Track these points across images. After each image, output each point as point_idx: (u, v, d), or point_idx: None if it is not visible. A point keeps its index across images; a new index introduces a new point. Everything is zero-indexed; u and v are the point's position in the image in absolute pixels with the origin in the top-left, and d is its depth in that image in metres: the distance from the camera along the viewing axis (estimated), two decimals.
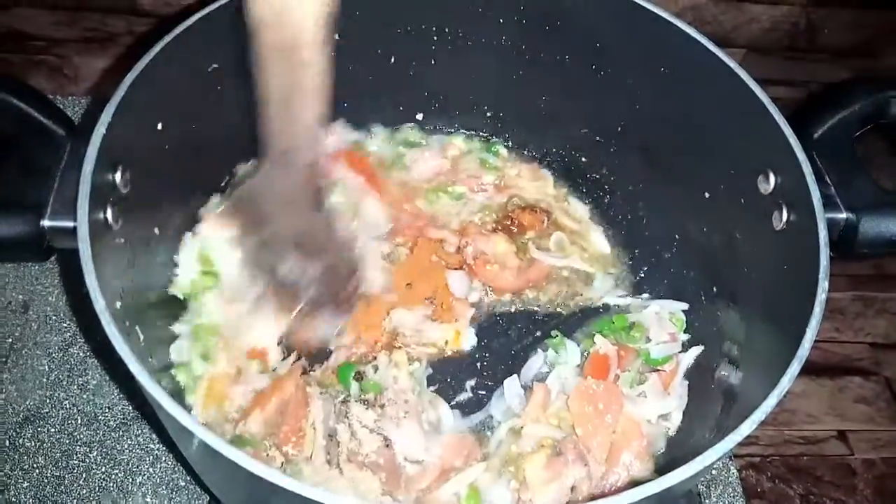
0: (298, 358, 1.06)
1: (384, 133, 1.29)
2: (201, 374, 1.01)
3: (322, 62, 0.69)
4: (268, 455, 0.97)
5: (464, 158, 1.29)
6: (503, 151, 1.31)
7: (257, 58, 0.71)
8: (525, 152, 1.31)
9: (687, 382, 1.06)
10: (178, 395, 1.01)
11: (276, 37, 0.68)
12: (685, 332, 1.12)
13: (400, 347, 1.08)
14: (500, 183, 1.27)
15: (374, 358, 1.06)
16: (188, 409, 1.00)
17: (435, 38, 1.15)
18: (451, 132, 1.31)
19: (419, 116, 1.29)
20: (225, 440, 0.63)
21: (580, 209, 1.26)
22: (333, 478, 0.95)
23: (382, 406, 0.99)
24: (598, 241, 1.23)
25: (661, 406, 1.03)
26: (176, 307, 1.06)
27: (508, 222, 1.22)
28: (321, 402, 1.01)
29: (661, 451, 1.02)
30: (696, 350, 1.08)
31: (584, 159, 1.26)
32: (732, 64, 0.94)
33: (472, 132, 1.31)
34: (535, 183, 1.28)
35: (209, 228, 1.09)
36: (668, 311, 1.12)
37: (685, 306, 1.13)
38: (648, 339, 1.10)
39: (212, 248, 1.08)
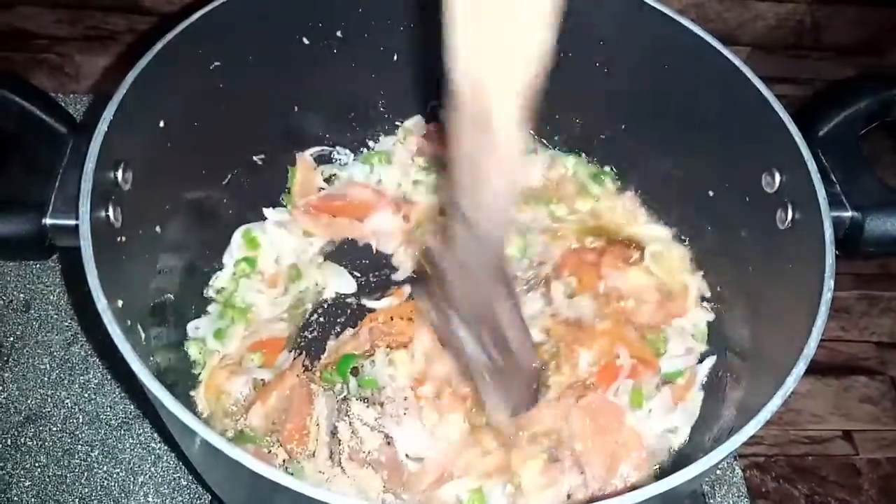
0: (300, 354, 1.06)
1: None
2: (212, 351, 1.04)
3: (518, 138, 0.64)
4: (269, 451, 0.97)
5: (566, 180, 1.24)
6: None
7: (451, 123, 0.66)
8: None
9: (702, 394, 1.05)
10: (185, 372, 1.02)
11: (474, 108, 0.63)
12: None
13: (397, 348, 1.05)
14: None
15: (372, 353, 1.05)
16: (190, 396, 1.01)
17: None
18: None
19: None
20: (226, 436, 0.63)
21: None
22: (335, 475, 0.95)
23: (382, 404, 0.98)
24: None
25: (666, 420, 1.02)
26: (172, 309, 1.07)
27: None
28: (324, 399, 1.01)
29: (664, 462, 1.01)
30: (711, 360, 1.06)
31: (582, 156, 1.26)
32: (737, 61, 0.93)
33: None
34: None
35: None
36: (693, 324, 1.09)
37: (711, 317, 1.10)
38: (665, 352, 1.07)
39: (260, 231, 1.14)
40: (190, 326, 1.07)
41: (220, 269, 1.14)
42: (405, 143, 1.26)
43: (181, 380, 1.02)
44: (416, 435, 0.96)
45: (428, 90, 1.23)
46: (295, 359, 1.06)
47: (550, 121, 1.25)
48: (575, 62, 1.12)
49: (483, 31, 0.60)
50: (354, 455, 0.95)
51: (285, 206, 1.20)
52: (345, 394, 1.01)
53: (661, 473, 0.98)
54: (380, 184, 1.24)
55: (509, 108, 0.62)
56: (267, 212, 1.18)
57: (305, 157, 1.23)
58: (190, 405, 1.01)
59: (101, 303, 0.71)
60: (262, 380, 1.03)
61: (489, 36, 0.60)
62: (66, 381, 1.13)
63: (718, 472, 1.15)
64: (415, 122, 1.27)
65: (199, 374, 1.04)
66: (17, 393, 1.11)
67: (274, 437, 0.98)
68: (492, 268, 0.77)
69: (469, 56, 0.61)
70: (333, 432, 0.97)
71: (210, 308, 1.10)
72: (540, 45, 0.60)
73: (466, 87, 0.62)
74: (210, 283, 1.12)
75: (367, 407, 0.98)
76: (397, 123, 1.28)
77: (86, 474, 1.06)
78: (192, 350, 1.05)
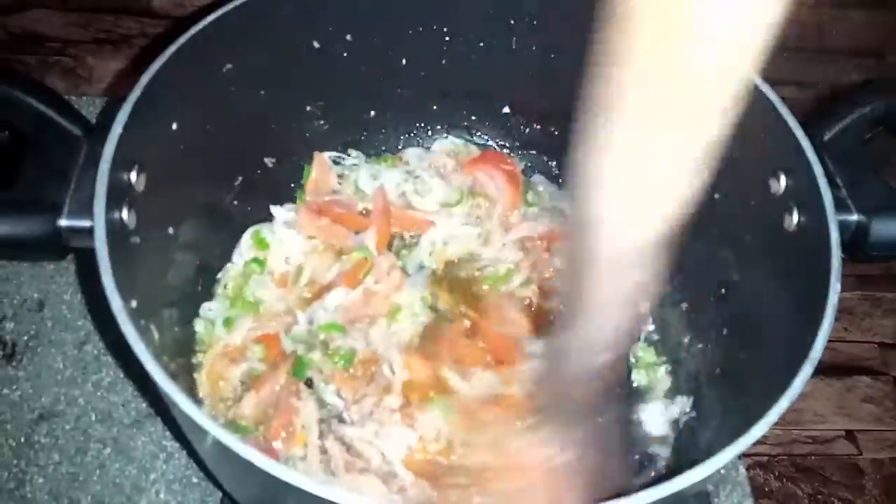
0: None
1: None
2: (218, 337, 1.06)
3: (643, 279, 0.65)
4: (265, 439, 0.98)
5: None
6: None
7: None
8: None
9: None
10: (187, 346, 1.05)
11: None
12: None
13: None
14: None
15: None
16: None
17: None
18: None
19: None
20: (219, 423, 0.64)
21: None
22: (330, 482, 0.94)
23: (371, 413, 0.98)
24: None
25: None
26: (190, 306, 1.08)
27: None
28: (312, 402, 1.01)
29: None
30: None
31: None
32: None
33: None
34: None
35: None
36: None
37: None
38: None
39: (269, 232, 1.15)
40: (203, 307, 1.10)
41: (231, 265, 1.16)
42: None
43: (185, 357, 1.04)
44: (406, 441, 0.97)
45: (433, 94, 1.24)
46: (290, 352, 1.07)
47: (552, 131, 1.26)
48: (577, 68, 1.13)
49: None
50: (350, 467, 0.95)
51: (296, 204, 1.22)
52: (325, 414, 1.01)
53: (665, 473, 1.00)
54: (382, 187, 1.24)
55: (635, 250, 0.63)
56: (274, 209, 1.19)
57: (323, 157, 1.23)
58: (191, 384, 1.03)
59: (116, 303, 0.72)
60: (261, 371, 1.04)
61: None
62: (79, 380, 1.14)
63: (722, 471, 1.15)
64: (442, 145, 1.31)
65: (202, 355, 1.06)
66: (30, 391, 1.13)
67: (261, 432, 0.99)
68: (594, 390, 0.74)
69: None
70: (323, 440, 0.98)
71: (221, 296, 1.13)
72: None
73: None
74: (219, 276, 1.14)
75: (357, 426, 0.98)
76: (407, 127, 1.29)
77: (98, 472, 1.07)
78: (200, 327, 1.07)
